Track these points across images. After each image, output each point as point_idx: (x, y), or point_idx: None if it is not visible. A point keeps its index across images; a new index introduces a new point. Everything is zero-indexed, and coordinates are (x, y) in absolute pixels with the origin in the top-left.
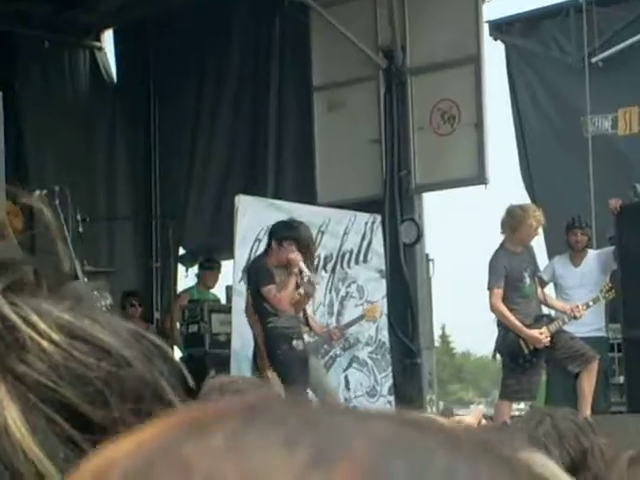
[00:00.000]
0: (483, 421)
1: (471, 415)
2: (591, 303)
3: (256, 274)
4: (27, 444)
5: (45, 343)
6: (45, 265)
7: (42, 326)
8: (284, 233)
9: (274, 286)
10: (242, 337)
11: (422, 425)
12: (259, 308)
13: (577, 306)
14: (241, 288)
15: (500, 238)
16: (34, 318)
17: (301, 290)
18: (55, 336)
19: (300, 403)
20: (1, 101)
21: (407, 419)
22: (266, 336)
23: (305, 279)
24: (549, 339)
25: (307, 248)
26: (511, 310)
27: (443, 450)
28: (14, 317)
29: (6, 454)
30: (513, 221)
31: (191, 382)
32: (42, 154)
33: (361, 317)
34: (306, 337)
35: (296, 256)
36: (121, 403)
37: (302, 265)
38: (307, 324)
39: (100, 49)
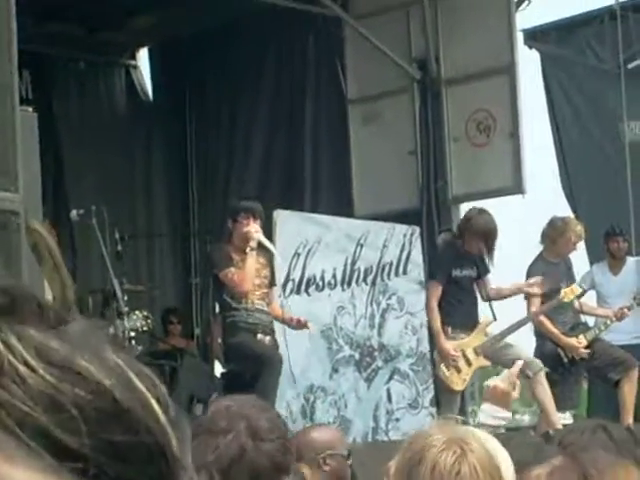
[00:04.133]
0: (517, 383)
1: (501, 378)
2: (626, 311)
3: (211, 261)
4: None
5: (21, 367)
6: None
7: (19, 349)
8: (237, 207)
9: (232, 268)
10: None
11: None
12: (220, 301)
13: (622, 309)
14: (280, 302)
15: (539, 249)
16: (13, 341)
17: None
18: (31, 360)
19: None
20: (36, 122)
21: None
22: (225, 332)
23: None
24: (587, 350)
25: (490, 236)
26: (548, 319)
27: None
28: None
29: None
30: (553, 232)
31: (173, 413)
32: (80, 174)
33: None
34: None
35: (250, 228)
36: (96, 430)
37: (262, 238)
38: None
39: (135, 67)
